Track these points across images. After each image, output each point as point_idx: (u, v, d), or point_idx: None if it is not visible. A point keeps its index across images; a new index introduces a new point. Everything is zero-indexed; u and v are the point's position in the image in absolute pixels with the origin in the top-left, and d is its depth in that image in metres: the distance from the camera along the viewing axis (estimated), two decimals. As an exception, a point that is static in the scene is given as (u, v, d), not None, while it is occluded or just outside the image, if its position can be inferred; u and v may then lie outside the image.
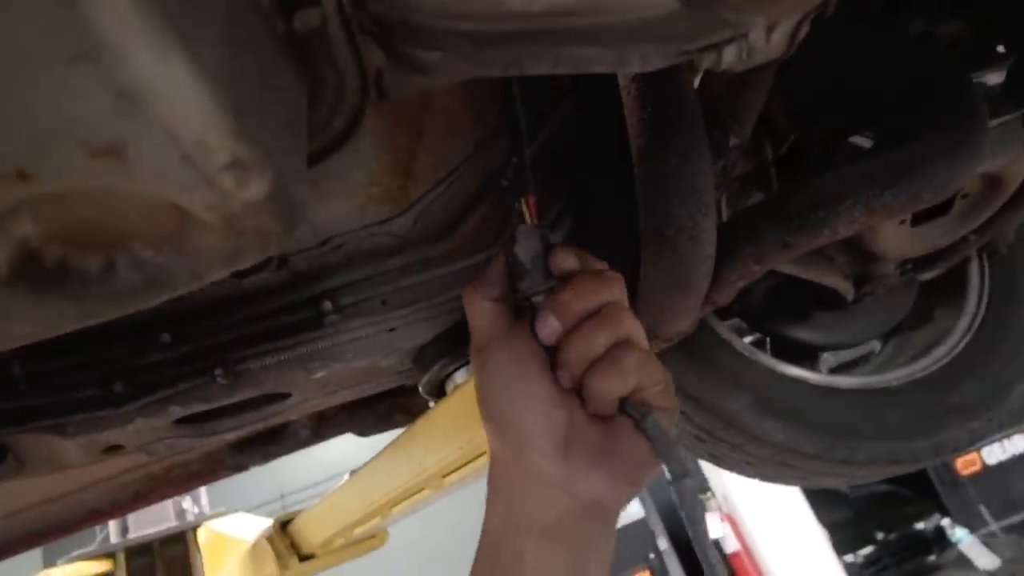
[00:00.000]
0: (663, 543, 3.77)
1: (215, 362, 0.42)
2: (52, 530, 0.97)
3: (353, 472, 0.76)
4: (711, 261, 0.45)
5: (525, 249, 0.35)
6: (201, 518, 1.61)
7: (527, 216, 0.37)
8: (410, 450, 0.57)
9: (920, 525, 2.99)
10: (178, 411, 0.44)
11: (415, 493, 0.61)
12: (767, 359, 0.85)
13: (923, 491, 3.20)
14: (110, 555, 1.55)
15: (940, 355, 0.86)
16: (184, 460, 0.85)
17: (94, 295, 0.22)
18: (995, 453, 2.65)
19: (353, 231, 0.45)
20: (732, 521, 3.13)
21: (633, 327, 0.35)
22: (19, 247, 0.19)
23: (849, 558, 5.66)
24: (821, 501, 6.08)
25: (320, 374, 0.48)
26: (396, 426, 0.90)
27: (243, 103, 0.18)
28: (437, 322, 0.50)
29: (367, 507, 0.71)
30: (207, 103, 0.16)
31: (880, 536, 5.93)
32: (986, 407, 0.81)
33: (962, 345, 0.86)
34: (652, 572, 3.27)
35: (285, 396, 0.51)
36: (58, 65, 0.14)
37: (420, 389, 0.55)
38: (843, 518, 6.06)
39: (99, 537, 1.74)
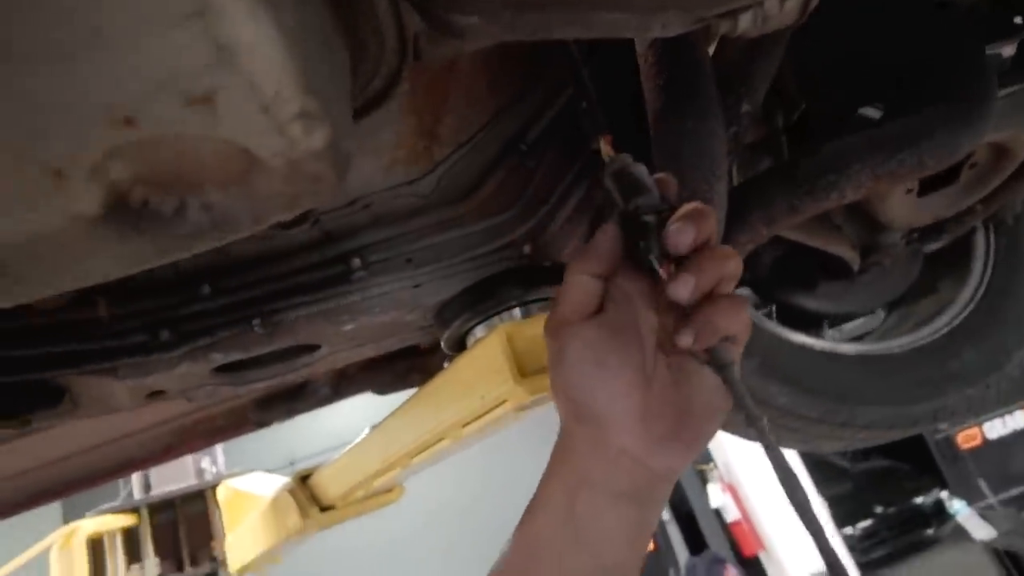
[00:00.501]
0: (665, 514, 3.85)
1: (253, 313, 0.45)
2: (88, 479, 1.02)
3: (373, 427, 0.80)
4: (722, 224, 0.47)
5: (636, 170, 0.35)
6: (220, 476, 1.67)
7: (608, 152, 0.36)
8: (431, 402, 0.61)
9: (919, 499, 3.04)
10: (218, 358, 0.47)
11: (434, 444, 0.64)
12: (773, 326, 0.87)
13: (923, 466, 3.24)
14: (135, 510, 1.61)
15: (942, 324, 0.88)
16: (211, 415, 0.89)
17: (167, 235, 0.24)
18: (996, 428, 2.68)
19: (380, 191, 0.47)
20: (733, 491, 3.19)
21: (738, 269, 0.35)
22: (112, 188, 0.21)
23: (848, 531, 5.75)
24: (822, 474, 6.13)
25: (348, 327, 0.51)
26: (413, 385, 0.93)
27: (309, 59, 0.20)
28: (458, 279, 0.53)
29: (387, 459, 0.74)
30: (285, 57, 0.18)
31: (879, 510, 6.00)
32: (984, 375, 0.84)
33: (964, 314, 0.88)
34: (654, 537, 3.35)
35: (315, 348, 0.54)
36: (173, 22, 0.16)
37: (442, 344, 0.58)
38: (843, 492, 6.13)
39: (123, 493, 1.81)
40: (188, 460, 1.68)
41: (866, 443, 0.92)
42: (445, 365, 0.71)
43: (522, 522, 0.38)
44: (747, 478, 3.14)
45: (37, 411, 0.43)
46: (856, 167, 0.44)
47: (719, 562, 3.32)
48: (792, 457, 3.18)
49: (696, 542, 5.56)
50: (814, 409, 0.85)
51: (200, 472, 1.73)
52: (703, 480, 3.31)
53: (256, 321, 0.46)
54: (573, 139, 0.51)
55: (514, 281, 0.55)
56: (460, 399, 0.55)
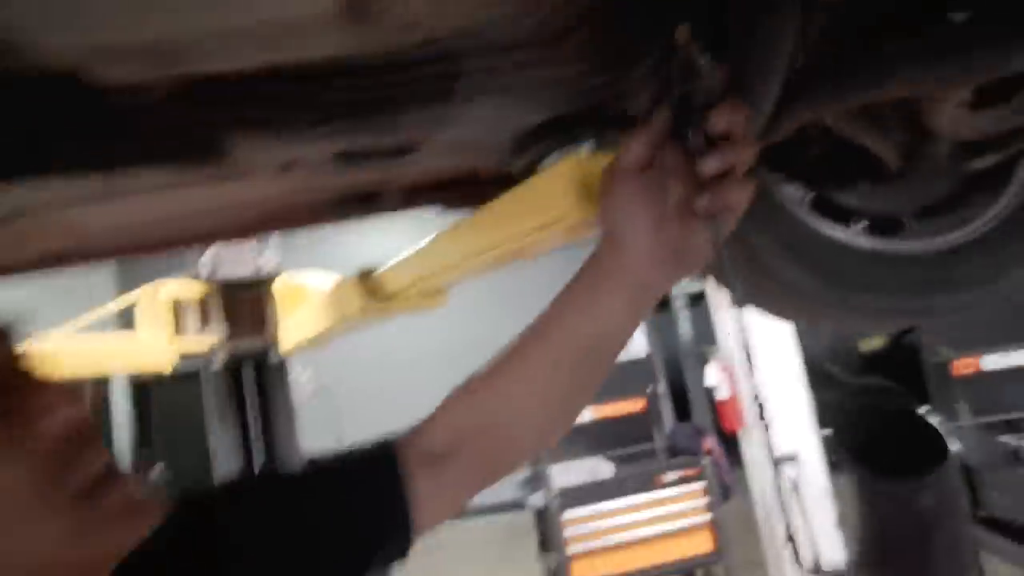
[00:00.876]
0: (661, 387, 4.15)
1: (377, 109, 0.56)
2: (181, 241, 1.19)
3: (438, 232, 0.93)
4: (768, 110, 0.54)
5: (699, 60, 0.44)
6: (280, 268, 1.89)
7: (684, 38, 0.44)
8: (496, 216, 0.73)
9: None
10: (344, 143, 0.59)
11: (490, 252, 0.78)
12: (801, 210, 0.96)
13: (915, 387, 3.39)
14: (207, 283, 1.85)
15: (958, 237, 0.96)
16: (295, 204, 1.03)
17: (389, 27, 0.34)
18: (993, 361, 2.79)
19: (496, 21, 0.55)
20: (730, 372, 3.43)
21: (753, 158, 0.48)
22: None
23: (827, 432, 6.17)
24: (819, 382, 6.47)
25: (444, 136, 0.62)
26: (473, 206, 1.06)
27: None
28: (542, 112, 0.62)
29: (447, 262, 0.89)
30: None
31: (862, 419, 6.39)
32: (980, 283, 0.93)
33: (981, 231, 0.95)
34: (648, 401, 3.68)
35: (413, 150, 0.65)
36: None
37: (512, 168, 0.68)
38: (833, 398, 6.50)
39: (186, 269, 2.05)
40: (247, 254, 1.88)
41: (858, 327, 1.04)
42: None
43: (552, 302, 0.54)
44: (743, 366, 3.36)
45: (210, 158, 0.56)
46: (902, 69, 0.51)
47: (699, 432, 3.67)
48: (795, 362, 3.37)
49: (682, 413, 6.03)
50: (817, 289, 0.96)
51: (258, 268, 1.94)
52: (703, 360, 3.56)
53: (379, 116, 0.56)
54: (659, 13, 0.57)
55: (587, 122, 0.64)
56: (523, 215, 0.67)
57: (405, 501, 0.56)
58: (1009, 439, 2.43)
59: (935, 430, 0.43)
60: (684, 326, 6.33)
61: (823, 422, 6.38)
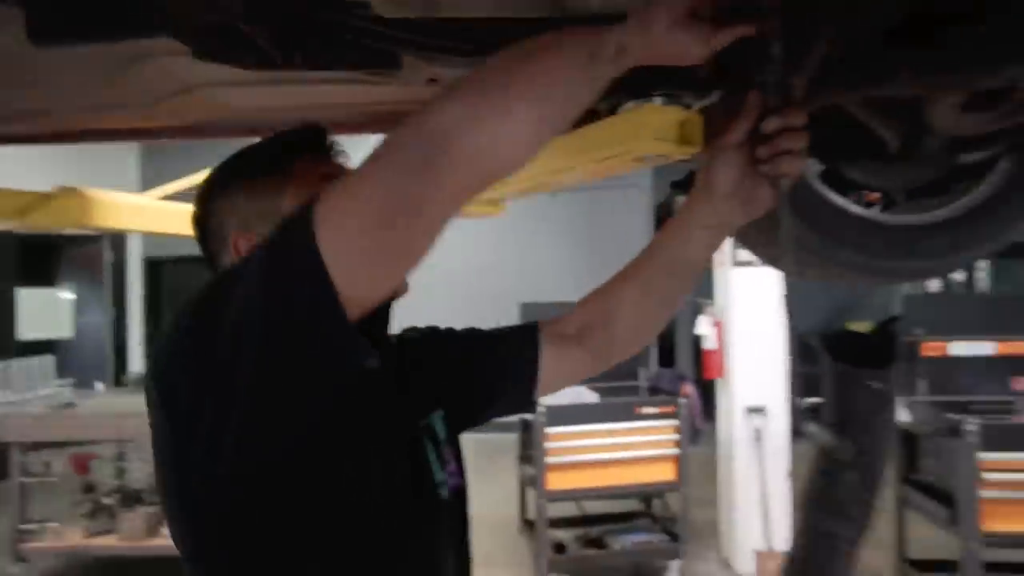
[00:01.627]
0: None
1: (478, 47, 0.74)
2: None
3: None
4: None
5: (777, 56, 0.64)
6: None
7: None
8: (581, 141, 0.92)
9: None
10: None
11: (570, 171, 0.98)
12: (813, 176, 1.16)
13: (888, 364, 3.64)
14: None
15: (932, 216, 1.16)
16: (400, 109, 1.21)
17: None
18: (959, 348, 3.04)
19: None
20: (719, 327, 3.69)
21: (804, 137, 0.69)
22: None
23: (798, 400, 6.54)
24: (801, 352, 6.79)
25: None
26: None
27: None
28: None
29: (525, 173, 1.09)
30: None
31: (832, 393, 6.75)
32: (944, 255, 1.15)
33: (950, 214, 1.15)
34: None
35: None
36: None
37: (602, 106, 0.87)
38: (811, 373, 6.85)
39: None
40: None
41: (836, 278, 1.26)
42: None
43: (658, 231, 0.79)
44: (736, 324, 3.61)
45: (385, 68, 0.75)
46: (907, 71, 0.70)
47: (681, 377, 3.96)
48: (777, 325, 3.61)
49: (669, 359, 6.35)
50: (812, 242, 1.17)
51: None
52: (696, 311, 3.79)
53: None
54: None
55: (662, 81, 0.83)
56: (603, 145, 0.87)
57: (534, 362, 0.83)
58: (953, 416, 2.71)
59: (893, 341, 0.61)
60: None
61: (804, 391, 6.78)
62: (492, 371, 0.84)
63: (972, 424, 2.58)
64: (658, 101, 0.83)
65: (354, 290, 0.53)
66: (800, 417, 6.30)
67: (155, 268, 7.60)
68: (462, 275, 6.35)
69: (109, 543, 3.48)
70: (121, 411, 3.49)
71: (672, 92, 0.83)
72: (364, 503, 0.65)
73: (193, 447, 0.58)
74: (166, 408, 0.59)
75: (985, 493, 2.58)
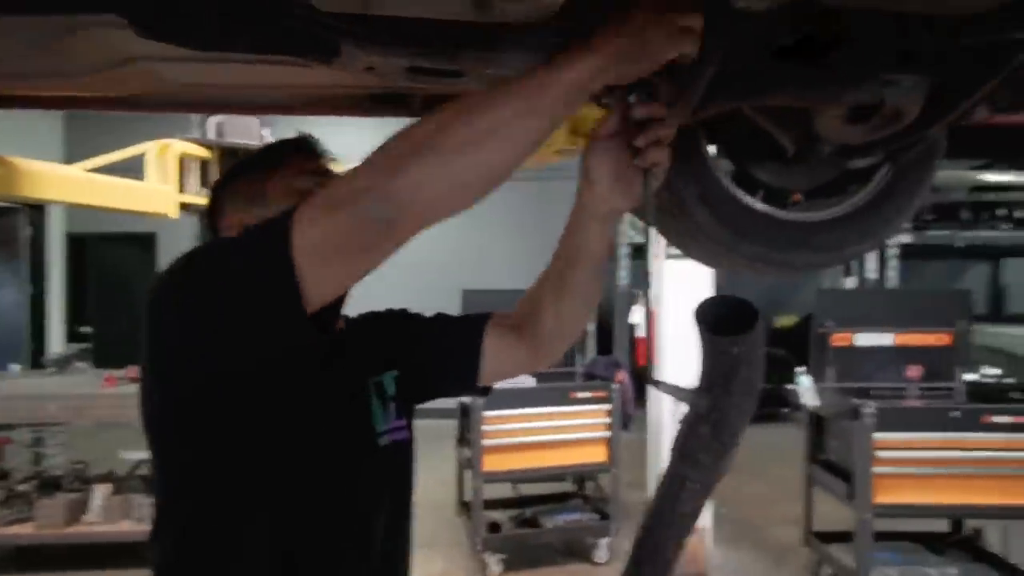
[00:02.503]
0: (590, 325, 4.58)
1: (452, 45, 0.81)
2: (226, 106, 1.39)
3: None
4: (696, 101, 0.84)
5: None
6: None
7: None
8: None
9: (790, 385, 3.71)
10: (420, 62, 0.84)
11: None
12: (720, 173, 1.28)
13: (805, 360, 3.92)
14: (208, 147, 2.02)
15: (824, 214, 1.31)
16: (342, 94, 1.25)
17: None
18: (864, 339, 3.32)
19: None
20: (652, 315, 3.87)
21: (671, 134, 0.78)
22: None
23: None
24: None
25: (487, 70, 0.89)
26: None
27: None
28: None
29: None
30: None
31: (756, 382, 7.18)
32: (828, 250, 1.30)
33: (840, 212, 1.31)
34: (575, 329, 4.09)
35: (461, 74, 0.91)
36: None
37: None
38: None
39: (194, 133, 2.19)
40: (254, 126, 2.05)
41: (737, 267, 1.40)
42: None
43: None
44: (668, 314, 3.80)
45: (325, 56, 0.80)
46: (785, 85, 0.81)
47: (616, 364, 4.14)
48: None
49: (606, 348, 6.57)
50: (719, 235, 1.30)
51: (262, 138, 2.12)
52: (631, 301, 3.98)
53: (449, 52, 0.82)
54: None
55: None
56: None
57: (476, 349, 0.95)
58: (856, 400, 2.97)
59: (753, 313, 0.69)
60: (623, 274, 6.82)
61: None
62: (440, 351, 0.96)
63: (869, 407, 2.84)
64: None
65: (315, 288, 0.64)
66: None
67: (78, 244, 7.23)
68: (408, 264, 6.34)
69: (26, 531, 3.35)
70: (38, 394, 3.35)
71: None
72: (305, 435, 0.79)
73: (172, 365, 0.73)
74: (155, 332, 0.73)
75: (878, 469, 2.85)
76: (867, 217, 1.34)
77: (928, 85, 0.94)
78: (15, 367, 4.69)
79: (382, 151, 0.64)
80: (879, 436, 2.85)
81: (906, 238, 6.74)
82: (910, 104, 0.99)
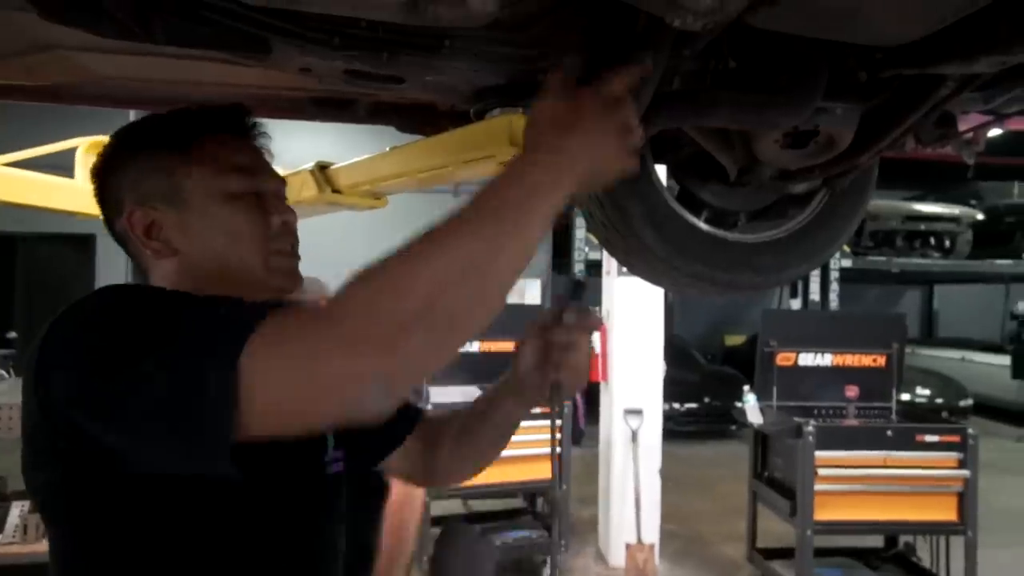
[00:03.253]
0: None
1: (387, 49, 0.79)
2: (168, 102, 1.33)
3: (393, 147, 1.18)
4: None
5: None
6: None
7: None
8: (446, 144, 0.99)
9: (738, 404, 3.78)
10: (356, 64, 0.82)
11: (430, 171, 1.04)
12: (666, 193, 1.30)
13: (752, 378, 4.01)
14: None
15: (765, 236, 1.34)
16: (283, 95, 1.22)
17: None
18: (807, 359, 3.42)
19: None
20: (603, 333, 3.90)
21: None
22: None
23: (676, 406, 7.03)
24: (680, 362, 7.31)
25: (427, 76, 0.87)
26: (423, 134, 1.30)
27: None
28: (499, 77, 0.88)
29: (397, 171, 1.13)
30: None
31: (706, 400, 7.33)
32: (769, 272, 1.33)
33: (783, 236, 1.34)
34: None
35: (401, 80, 0.89)
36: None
37: (471, 112, 0.94)
38: (689, 379, 7.41)
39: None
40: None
41: (682, 288, 1.41)
42: (448, 128, 1.10)
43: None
44: (620, 331, 3.83)
45: (256, 53, 0.77)
46: (720, 109, 0.83)
47: (568, 380, 4.14)
48: (657, 334, 3.86)
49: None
50: (665, 253, 1.31)
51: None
52: (585, 317, 4.02)
53: (384, 55, 0.80)
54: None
55: (528, 92, 0.91)
56: (466, 148, 0.94)
57: (401, 437, 0.87)
58: (798, 419, 3.05)
59: (581, 287, 0.74)
60: (577, 290, 6.86)
61: (681, 397, 7.27)
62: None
63: (810, 426, 2.92)
64: (522, 111, 0.91)
65: (253, 420, 0.50)
66: (673, 419, 6.77)
67: (6, 245, 6.83)
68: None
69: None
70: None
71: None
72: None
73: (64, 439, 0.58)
74: (39, 397, 0.58)
75: (819, 486, 2.93)
76: (806, 240, 1.38)
77: (859, 114, 0.96)
78: (-75, 375, 4.36)
79: (368, 313, 0.50)
80: (820, 454, 2.92)
81: (846, 262, 7.04)
82: (843, 131, 1.03)
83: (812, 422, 2.97)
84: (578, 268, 6.90)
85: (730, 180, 1.28)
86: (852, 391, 3.28)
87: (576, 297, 0.81)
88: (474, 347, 3.96)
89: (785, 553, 3.28)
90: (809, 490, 2.92)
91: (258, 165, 0.74)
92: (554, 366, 0.78)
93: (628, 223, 1.29)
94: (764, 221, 1.38)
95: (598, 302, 4.03)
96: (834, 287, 6.80)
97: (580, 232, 6.84)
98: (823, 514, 2.94)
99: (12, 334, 5.73)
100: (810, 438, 2.91)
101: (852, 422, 3.22)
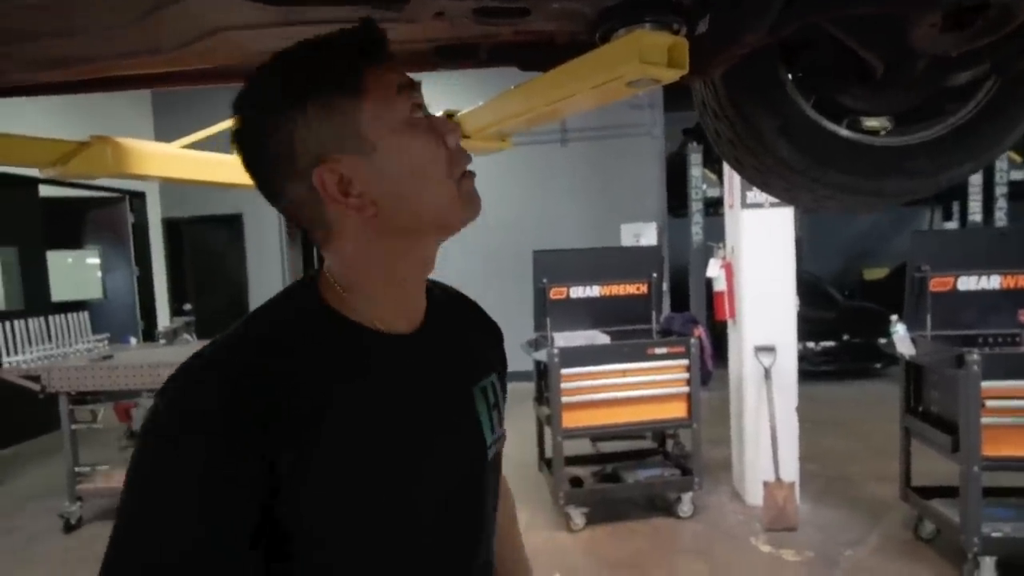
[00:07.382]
0: (664, 275, 4.46)
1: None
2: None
3: (517, 85, 1.20)
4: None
5: None
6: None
7: None
8: (570, 72, 1.00)
9: (883, 340, 3.51)
10: (475, 3, 0.85)
11: (563, 99, 1.05)
12: (802, 101, 1.22)
13: (899, 312, 3.70)
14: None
15: (918, 137, 1.22)
16: (407, 49, 1.28)
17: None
18: (968, 282, 3.08)
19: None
20: (728, 268, 3.75)
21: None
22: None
23: (811, 344, 6.64)
24: (816, 301, 6.85)
25: (554, 4, 0.88)
26: (544, 69, 1.31)
27: None
28: (622, -4, 0.88)
29: (526, 107, 1.16)
30: None
31: (845, 337, 6.84)
32: (925, 175, 1.21)
33: (936, 135, 1.21)
34: (650, 286, 4.03)
35: (530, 12, 0.91)
36: None
37: (597, 36, 0.94)
38: (826, 317, 6.93)
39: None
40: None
41: (821, 201, 1.33)
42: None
43: None
44: (746, 265, 3.67)
45: (395, 4, 0.83)
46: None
47: (692, 321, 4.05)
48: (788, 266, 3.65)
49: (682, 305, 6.45)
50: (803, 165, 1.24)
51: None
52: (708, 254, 3.85)
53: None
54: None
55: (651, 8, 0.90)
56: (596, 69, 0.94)
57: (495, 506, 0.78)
58: (957, 348, 2.78)
59: None
60: (696, 229, 6.63)
61: (817, 335, 6.85)
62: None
63: (975, 355, 2.65)
64: (648, 27, 0.90)
65: None
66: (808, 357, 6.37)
67: (174, 228, 7.81)
68: (478, 227, 6.44)
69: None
70: (155, 362, 3.70)
71: (661, 18, 0.90)
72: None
73: None
74: None
75: (986, 419, 2.67)
76: (966, 138, 1.24)
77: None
78: (133, 340, 5.19)
79: None
80: (987, 384, 2.66)
81: (1017, 175, 6.12)
82: (1020, 2, 0.90)
83: (976, 351, 2.69)
84: (696, 207, 6.62)
85: (876, 79, 1.18)
86: (1026, 315, 2.92)
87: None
88: (595, 291, 3.99)
89: (945, 492, 3.05)
90: (975, 423, 2.68)
91: (412, 83, 0.64)
92: None
93: (762, 139, 1.24)
94: (925, 121, 1.25)
95: (721, 238, 3.87)
96: (1000, 203, 5.95)
97: (696, 171, 6.52)
98: (991, 450, 2.69)
99: (187, 306, 6.62)
100: (975, 367, 2.65)
101: (1026, 350, 2.88)
